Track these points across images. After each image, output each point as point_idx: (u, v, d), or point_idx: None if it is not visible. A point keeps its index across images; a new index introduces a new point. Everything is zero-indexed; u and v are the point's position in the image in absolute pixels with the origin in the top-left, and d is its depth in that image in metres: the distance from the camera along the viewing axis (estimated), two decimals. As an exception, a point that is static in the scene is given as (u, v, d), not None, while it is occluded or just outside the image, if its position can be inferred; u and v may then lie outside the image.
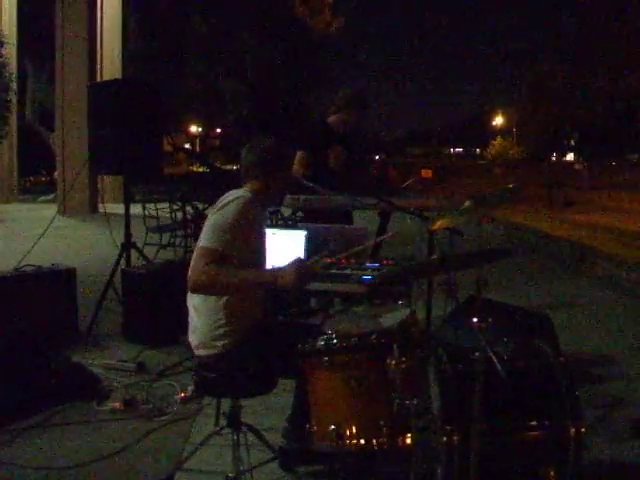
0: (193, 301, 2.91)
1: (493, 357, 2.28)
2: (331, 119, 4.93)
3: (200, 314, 2.87)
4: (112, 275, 5.71)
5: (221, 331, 2.81)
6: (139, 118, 5.59)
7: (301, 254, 3.70)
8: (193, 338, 2.92)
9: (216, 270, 2.65)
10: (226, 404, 3.07)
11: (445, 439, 2.33)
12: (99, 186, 16.22)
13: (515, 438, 2.41)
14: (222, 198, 2.91)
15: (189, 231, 8.93)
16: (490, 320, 2.33)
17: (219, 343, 2.81)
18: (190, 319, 2.95)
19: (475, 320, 2.31)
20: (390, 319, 2.71)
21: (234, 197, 2.85)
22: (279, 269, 2.74)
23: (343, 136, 4.86)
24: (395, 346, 2.45)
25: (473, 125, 79.76)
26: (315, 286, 3.48)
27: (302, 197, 4.34)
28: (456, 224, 3.26)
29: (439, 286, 2.54)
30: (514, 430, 2.41)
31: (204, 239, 2.75)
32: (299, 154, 4.75)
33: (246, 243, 2.80)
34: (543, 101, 39.99)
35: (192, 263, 2.73)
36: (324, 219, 4.17)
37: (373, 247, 4.35)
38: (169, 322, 4.98)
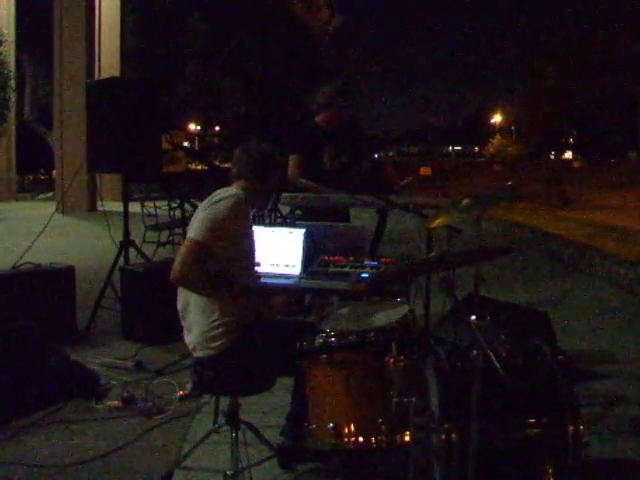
0: (185, 302, 2.90)
1: (491, 355, 2.28)
2: (318, 118, 4.90)
3: (194, 315, 2.86)
4: (111, 273, 5.71)
5: (217, 332, 2.80)
6: (137, 116, 5.58)
7: (300, 252, 3.71)
8: (189, 339, 2.91)
9: (207, 275, 2.72)
10: (225, 402, 3.07)
11: (443, 437, 2.34)
12: (98, 184, 16.19)
13: (513, 436, 2.41)
14: (214, 194, 2.92)
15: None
16: (488, 318, 2.33)
17: (216, 344, 2.81)
18: (182, 321, 2.95)
19: (473, 318, 2.32)
20: (388, 317, 2.71)
21: (228, 194, 2.86)
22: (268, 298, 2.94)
23: (332, 134, 4.83)
24: (394, 344, 2.45)
25: (472, 123, 79.74)
26: (314, 284, 3.49)
27: (300, 195, 4.34)
28: (455, 222, 3.26)
29: (437, 284, 2.54)
30: (512, 428, 2.41)
31: (195, 231, 2.75)
32: (292, 157, 4.73)
33: (235, 240, 2.83)
34: (542, 99, 40.00)
35: (180, 254, 2.74)
36: (322, 217, 4.17)
37: (371, 245, 4.35)
38: (167, 320, 4.94)
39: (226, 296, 2.82)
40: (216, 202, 2.83)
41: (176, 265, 2.71)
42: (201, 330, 2.83)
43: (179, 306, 2.95)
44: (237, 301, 2.84)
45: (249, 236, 2.98)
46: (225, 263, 2.78)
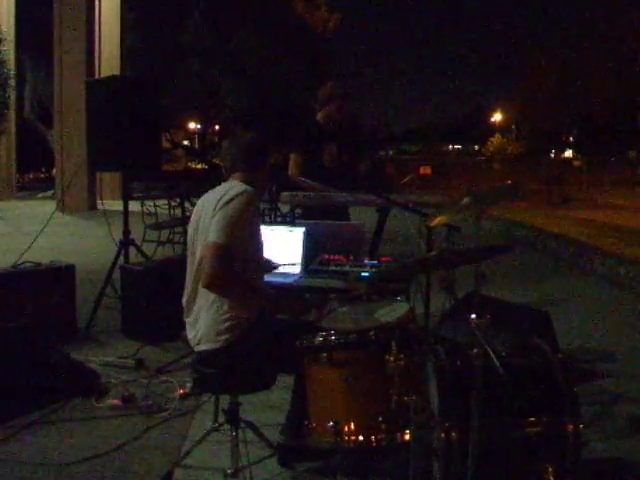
0: (192, 297, 2.91)
1: (491, 353, 2.28)
2: (319, 116, 4.89)
3: (201, 309, 2.87)
4: (111, 272, 5.72)
5: (225, 325, 2.81)
6: (137, 115, 5.58)
7: (300, 251, 3.71)
8: (193, 334, 2.91)
9: (235, 277, 2.74)
10: (225, 400, 3.07)
11: (443, 435, 2.33)
12: (98, 183, 16.23)
13: (513, 435, 2.41)
14: (220, 192, 2.88)
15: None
16: (488, 316, 2.33)
17: (222, 337, 2.81)
18: (186, 317, 2.95)
19: (473, 316, 2.31)
20: (388, 316, 2.71)
21: (239, 191, 2.83)
22: (286, 301, 2.97)
23: (333, 132, 4.82)
24: (394, 342, 2.45)
25: (472, 122, 79.68)
26: (314, 282, 3.49)
27: (300, 194, 4.34)
28: (454, 220, 3.26)
29: (437, 282, 2.54)
30: (512, 427, 2.41)
31: (215, 234, 2.72)
32: (293, 156, 4.72)
33: (252, 236, 2.86)
34: (541, 97, 39.95)
35: (208, 260, 2.70)
36: (322, 216, 4.17)
37: (371, 244, 4.35)
38: (168, 319, 4.96)
39: (254, 298, 2.85)
40: (229, 201, 2.79)
41: (208, 271, 2.69)
42: (209, 323, 2.83)
43: (184, 301, 2.95)
44: (254, 300, 2.87)
45: (259, 230, 2.99)
46: (242, 262, 2.78)
